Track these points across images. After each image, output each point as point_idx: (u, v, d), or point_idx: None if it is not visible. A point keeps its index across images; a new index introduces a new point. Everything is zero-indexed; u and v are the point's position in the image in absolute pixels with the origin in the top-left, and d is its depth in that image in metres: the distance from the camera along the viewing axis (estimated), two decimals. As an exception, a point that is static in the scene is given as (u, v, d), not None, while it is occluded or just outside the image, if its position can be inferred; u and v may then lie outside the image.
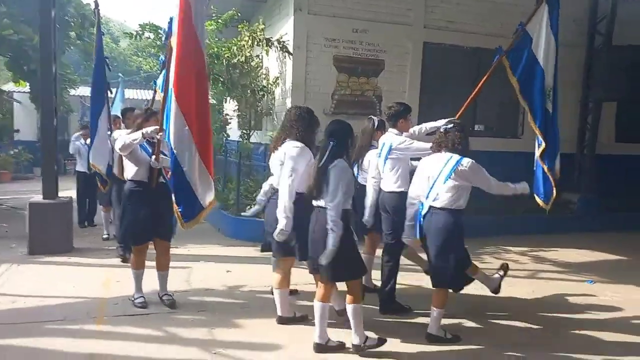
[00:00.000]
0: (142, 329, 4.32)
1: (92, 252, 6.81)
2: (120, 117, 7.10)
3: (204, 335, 4.26)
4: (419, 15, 8.75)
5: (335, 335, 4.15)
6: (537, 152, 5.38)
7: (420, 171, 4.37)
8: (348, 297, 3.96)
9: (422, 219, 4.26)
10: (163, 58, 5.68)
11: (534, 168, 5.47)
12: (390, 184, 4.84)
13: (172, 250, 5.18)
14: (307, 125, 4.33)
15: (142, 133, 4.53)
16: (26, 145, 17.36)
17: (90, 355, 3.83)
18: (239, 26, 8.64)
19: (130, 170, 4.78)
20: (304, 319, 4.56)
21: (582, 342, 4.44)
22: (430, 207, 4.18)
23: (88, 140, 8.03)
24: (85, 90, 19.91)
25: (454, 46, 9.10)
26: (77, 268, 6.12)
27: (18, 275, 5.72)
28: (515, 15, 9.31)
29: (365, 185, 5.11)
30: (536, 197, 5.41)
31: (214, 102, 10.41)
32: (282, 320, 4.54)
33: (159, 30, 8.42)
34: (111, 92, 7.19)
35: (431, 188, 4.17)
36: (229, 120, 10.02)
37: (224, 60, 8.34)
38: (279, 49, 8.06)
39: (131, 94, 21.07)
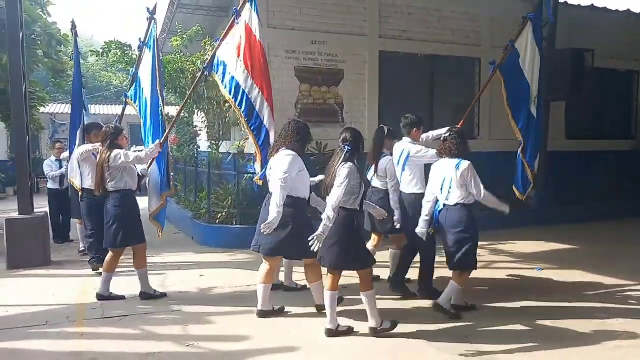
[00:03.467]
0: (120, 329, 4.64)
1: (69, 264, 7.08)
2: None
3: (178, 332, 4.59)
4: (374, 26, 9.21)
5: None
6: (519, 150, 6.24)
7: (433, 174, 5.00)
8: (360, 286, 4.39)
9: (437, 215, 4.94)
10: (134, 71, 6.12)
11: (517, 164, 6.32)
12: (410, 187, 5.47)
13: (148, 259, 5.60)
14: (302, 137, 4.82)
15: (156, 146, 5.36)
16: (14, 165, 17.24)
17: (73, 353, 4.13)
18: (203, 41, 8.97)
19: (121, 181, 5.32)
20: (282, 311, 4.99)
21: (524, 316, 4.90)
22: (444, 204, 4.87)
23: (63, 155, 8.30)
24: (55, 108, 20.04)
25: (408, 54, 9.58)
26: (55, 279, 6.40)
27: (-1, 288, 5.98)
28: (464, 22, 9.96)
29: (379, 188, 5.58)
30: (514, 189, 6.33)
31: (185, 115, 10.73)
32: (262, 314, 4.91)
33: (125, 48, 8.70)
34: (86, 110, 7.38)
35: (442, 188, 4.85)
36: (199, 132, 10.36)
37: (189, 74, 8.67)
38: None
39: (101, 109, 21.22)
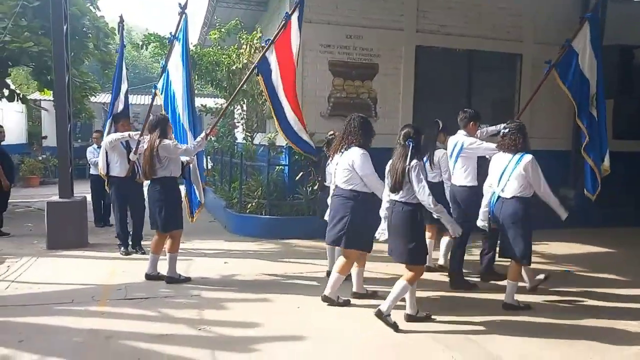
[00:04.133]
0: (139, 310, 4.85)
1: (104, 247, 7.38)
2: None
3: (193, 315, 4.75)
4: (411, 21, 9.11)
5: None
6: (582, 150, 6.44)
7: (492, 167, 5.16)
8: (406, 275, 4.51)
9: (493, 207, 5.09)
10: (163, 63, 6.32)
11: (584, 165, 6.66)
12: (462, 179, 5.58)
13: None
14: (367, 131, 4.96)
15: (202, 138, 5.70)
16: (54, 151, 17.94)
17: (92, 330, 4.36)
18: (238, 35, 9.12)
19: (167, 169, 5.56)
20: (375, 295, 5.26)
21: (542, 314, 4.82)
22: (499, 197, 5.01)
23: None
24: (108, 98, 20.84)
25: (446, 49, 9.42)
26: (89, 260, 6.71)
27: (36, 267, 6.32)
28: (505, 17, 9.72)
29: (433, 182, 5.73)
30: (585, 191, 6.68)
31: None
32: (357, 296, 5.23)
33: (164, 40, 8.91)
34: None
35: (499, 181, 4.97)
36: (237, 124, 10.55)
37: (224, 67, 8.83)
38: (274, 56, 8.51)
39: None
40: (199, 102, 12.05)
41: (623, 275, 6.45)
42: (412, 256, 4.46)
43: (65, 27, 7.23)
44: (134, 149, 6.65)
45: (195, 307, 4.96)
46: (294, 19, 5.87)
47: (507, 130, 5.01)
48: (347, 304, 5.07)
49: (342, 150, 4.95)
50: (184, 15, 6.06)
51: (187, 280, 5.75)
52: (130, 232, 7.22)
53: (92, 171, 8.92)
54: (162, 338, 4.23)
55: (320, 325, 4.59)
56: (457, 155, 5.56)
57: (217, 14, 10.46)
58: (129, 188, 6.87)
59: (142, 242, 7.18)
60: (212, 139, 10.47)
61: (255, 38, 8.79)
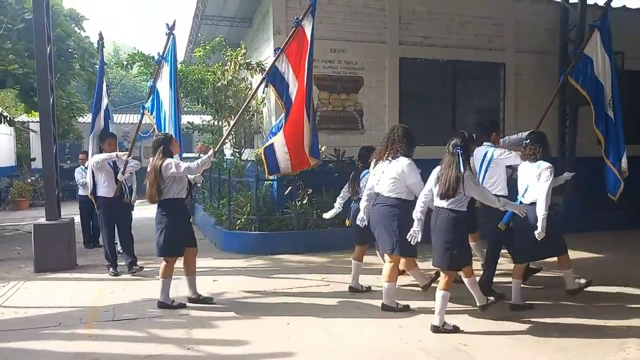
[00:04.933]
0: (127, 331, 4.81)
1: (93, 268, 7.33)
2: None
3: (182, 335, 4.72)
4: (394, 33, 9.21)
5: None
6: (603, 153, 6.74)
7: (519, 176, 5.36)
8: (441, 284, 4.67)
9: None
10: (151, 83, 6.34)
11: (604, 168, 6.88)
12: (492, 189, 5.60)
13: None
14: (411, 141, 5.18)
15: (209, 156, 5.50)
16: (43, 173, 17.89)
17: (78, 354, 4.31)
18: (223, 52, 9.17)
19: (176, 190, 5.40)
20: (407, 309, 5.26)
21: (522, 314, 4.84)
22: (521, 202, 5.20)
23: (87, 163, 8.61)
24: (95, 117, 20.80)
25: (429, 60, 9.53)
26: (77, 282, 6.66)
27: (23, 291, 6.26)
28: (488, 27, 9.82)
29: None
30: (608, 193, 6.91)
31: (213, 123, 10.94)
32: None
33: (148, 60, 8.96)
34: (110, 119, 7.65)
35: (524, 187, 5.21)
36: (225, 140, 10.55)
37: (210, 85, 8.86)
38: (258, 71, 8.57)
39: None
40: (186, 119, 12.09)
41: (609, 277, 6.50)
42: (452, 262, 4.62)
43: (48, 49, 7.25)
44: (121, 169, 6.64)
45: (183, 327, 4.93)
46: (305, 24, 5.68)
47: (528, 141, 5.23)
48: (406, 309, 5.22)
49: (388, 159, 5.11)
50: (171, 36, 6.07)
51: (182, 306, 5.48)
52: (120, 252, 7.15)
53: (81, 192, 8.89)
54: (150, 358, 4.20)
55: (310, 341, 4.56)
56: (488, 166, 5.69)
57: (201, 31, 10.52)
58: (116, 208, 6.85)
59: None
60: (201, 155, 10.47)
61: (240, 54, 8.84)
